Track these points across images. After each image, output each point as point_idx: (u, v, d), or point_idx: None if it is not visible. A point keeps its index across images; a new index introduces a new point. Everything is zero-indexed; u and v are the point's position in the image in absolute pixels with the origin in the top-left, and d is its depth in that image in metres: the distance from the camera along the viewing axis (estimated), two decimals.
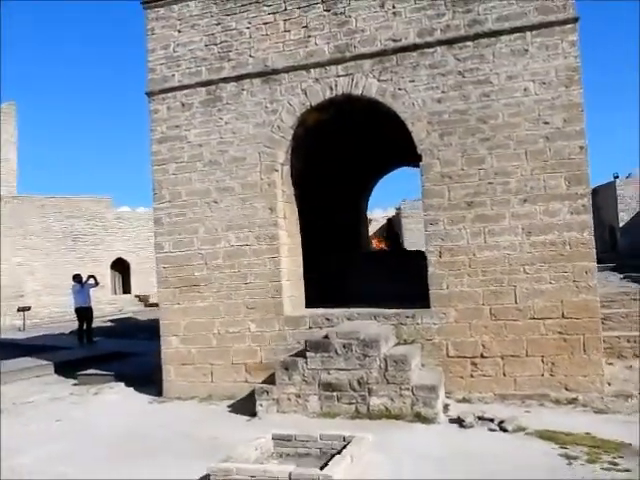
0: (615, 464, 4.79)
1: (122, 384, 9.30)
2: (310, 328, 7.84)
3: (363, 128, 10.05)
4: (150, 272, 31.51)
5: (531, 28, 7.28)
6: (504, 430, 5.82)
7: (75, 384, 9.73)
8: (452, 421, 6.25)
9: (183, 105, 8.58)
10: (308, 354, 6.78)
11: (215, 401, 7.94)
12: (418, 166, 13.94)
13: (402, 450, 5.43)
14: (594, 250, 6.97)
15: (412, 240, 27.55)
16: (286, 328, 7.94)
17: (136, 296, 28.71)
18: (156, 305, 26.15)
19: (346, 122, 9.19)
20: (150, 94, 8.73)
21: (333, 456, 5.29)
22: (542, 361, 6.98)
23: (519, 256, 7.15)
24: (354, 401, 6.56)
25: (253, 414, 7.00)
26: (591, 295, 6.91)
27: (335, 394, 6.63)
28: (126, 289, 29.69)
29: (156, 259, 8.67)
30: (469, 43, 7.48)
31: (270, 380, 7.57)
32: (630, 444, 5.22)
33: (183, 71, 8.61)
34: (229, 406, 7.68)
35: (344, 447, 5.22)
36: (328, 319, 7.79)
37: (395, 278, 9.75)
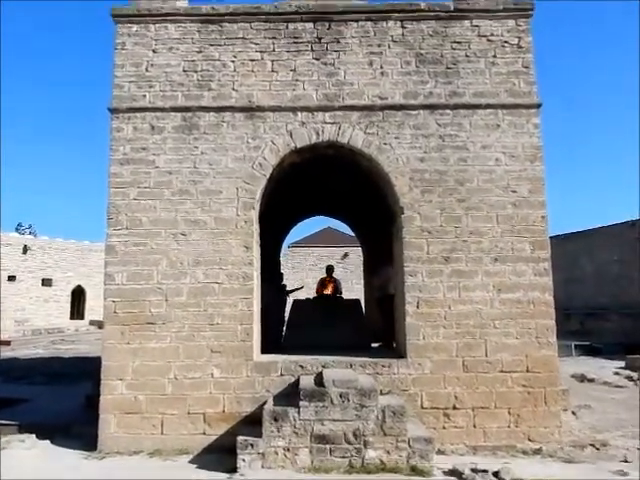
0: None
1: (33, 436, 7.87)
2: (282, 375, 7.47)
3: (314, 173, 10.16)
4: None
5: (502, 107, 8.10)
6: None
7: None
8: (447, 474, 6.30)
9: (153, 128, 7.96)
10: (301, 403, 6.43)
11: (168, 456, 7.07)
12: (334, 217, 14.44)
13: None
14: (553, 310, 7.72)
15: None
16: (255, 374, 7.47)
17: None
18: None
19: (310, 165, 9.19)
20: (114, 111, 7.97)
21: None
22: (509, 413, 7.42)
23: (490, 311, 7.64)
24: (348, 454, 6.33)
25: (230, 470, 6.37)
26: (551, 351, 7.59)
27: (328, 447, 6.34)
28: None
29: (104, 291, 7.69)
30: (449, 111, 8.08)
31: (233, 432, 7.06)
32: None
33: (156, 93, 8.03)
34: (191, 462, 6.91)
35: None
36: (302, 366, 7.50)
37: (337, 325, 9.79)
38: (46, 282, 32.60)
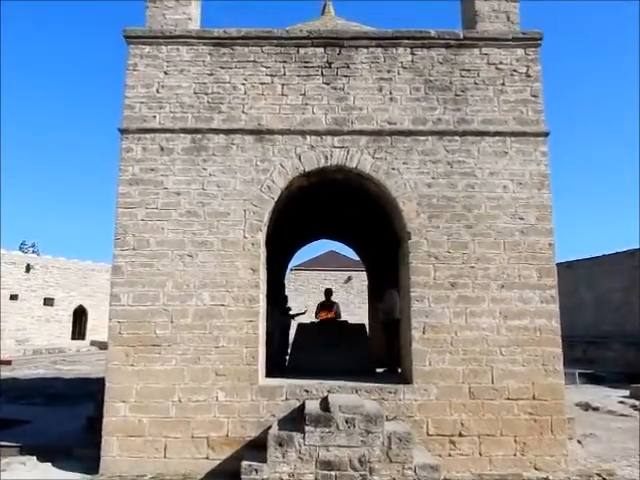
0: None
1: (34, 458, 7.78)
2: (287, 399, 7.39)
3: (322, 197, 10.21)
4: None
5: (510, 134, 8.16)
6: None
7: None
8: None
9: (162, 149, 8.02)
10: (307, 428, 6.36)
11: None
12: (339, 240, 14.46)
13: None
14: (560, 337, 7.67)
15: None
16: (260, 398, 7.40)
17: None
18: None
19: (318, 189, 9.23)
20: (124, 131, 8.04)
21: None
22: (515, 441, 7.33)
23: (496, 338, 7.60)
24: None
25: None
26: (557, 379, 7.52)
27: (333, 473, 6.25)
28: None
29: (110, 312, 7.67)
30: (457, 138, 8.14)
31: (237, 456, 6.97)
32: None
33: (166, 114, 8.12)
34: None
35: None
36: (307, 391, 7.43)
37: (342, 350, 9.73)
38: (48, 301, 32.43)
